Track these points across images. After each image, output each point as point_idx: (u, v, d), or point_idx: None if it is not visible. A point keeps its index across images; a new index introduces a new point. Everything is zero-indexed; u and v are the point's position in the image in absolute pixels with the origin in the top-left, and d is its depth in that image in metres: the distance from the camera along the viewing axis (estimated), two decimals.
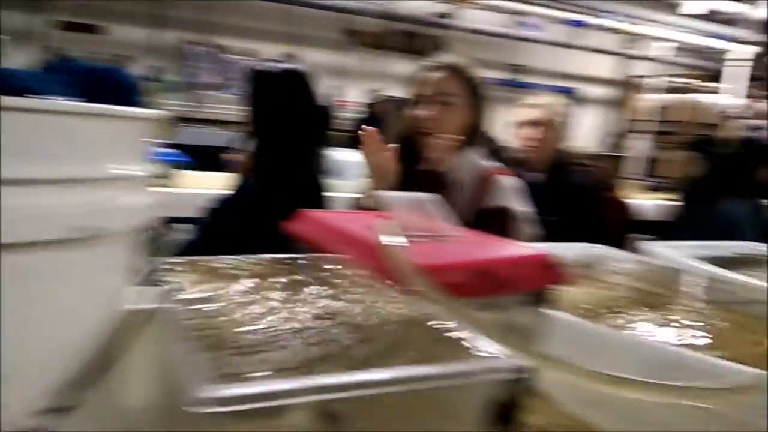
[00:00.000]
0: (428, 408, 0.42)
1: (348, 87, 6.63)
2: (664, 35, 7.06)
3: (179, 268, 0.61)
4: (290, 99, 1.71)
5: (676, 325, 0.84)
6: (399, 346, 0.46)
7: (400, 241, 0.66)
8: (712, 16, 7.04)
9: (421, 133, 1.49)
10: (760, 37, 6.79)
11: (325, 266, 0.67)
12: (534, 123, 2.17)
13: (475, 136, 1.55)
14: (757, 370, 0.54)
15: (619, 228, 2.28)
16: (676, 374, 0.64)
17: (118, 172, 0.48)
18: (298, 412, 0.37)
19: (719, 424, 0.61)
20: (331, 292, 0.59)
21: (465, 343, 0.45)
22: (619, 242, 1.90)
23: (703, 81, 7.22)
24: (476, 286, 0.58)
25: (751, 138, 2.73)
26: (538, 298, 0.66)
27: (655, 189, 4.39)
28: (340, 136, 4.45)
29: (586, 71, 8.19)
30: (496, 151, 1.70)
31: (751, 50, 6.43)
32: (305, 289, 0.59)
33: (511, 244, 0.70)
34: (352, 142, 2.04)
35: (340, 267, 0.67)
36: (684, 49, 7.55)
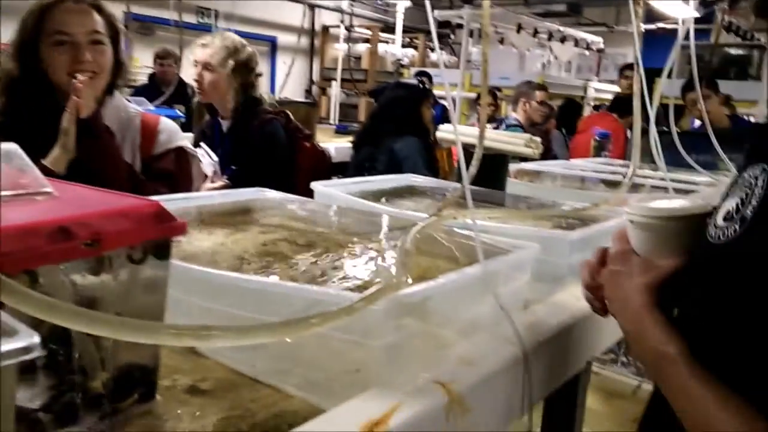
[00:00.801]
0: None
1: None
2: None
3: None
4: None
5: (324, 262, 0.87)
6: None
7: None
8: None
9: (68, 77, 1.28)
10: None
11: None
12: (202, 64, 2.07)
13: (118, 77, 1.40)
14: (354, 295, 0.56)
15: (317, 174, 2.34)
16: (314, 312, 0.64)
17: None
18: None
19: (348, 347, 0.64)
20: None
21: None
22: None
23: (380, 32, 7.93)
24: (52, 249, 0.48)
25: (405, 82, 3.05)
26: (154, 252, 0.59)
27: (345, 132, 4.70)
28: None
29: (282, 20, 8.27)
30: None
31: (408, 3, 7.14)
32: None
33: (115, 196, 0.61)
34: None
35: None
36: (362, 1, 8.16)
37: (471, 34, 4.95)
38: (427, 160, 2.66)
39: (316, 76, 8.85)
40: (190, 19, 6.69)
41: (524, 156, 1.70)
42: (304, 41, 8.61)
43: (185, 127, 3.17)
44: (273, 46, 8.49)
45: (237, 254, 0.89)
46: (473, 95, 5.15)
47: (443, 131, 1.72)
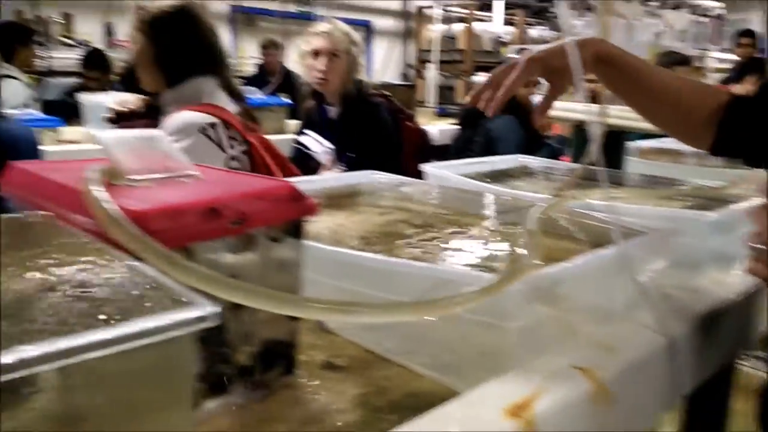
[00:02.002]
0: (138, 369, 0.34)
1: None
2: None
3: None
4: None
5: (446, 243, 0.86)
6: (101, 307, 0.37)
7: (118, 186, 0.56)
8: None
9: None
10: None
11: (24, 226, 0.54)
12: (317, 53, 2.10)
13: None
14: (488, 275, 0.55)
15: (420, 156, 2.35)
16: (440, 292, 0.64)
17: None
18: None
19: (479, 328, 0.63)
20: (23, 254, 0.47)
21: (164, 297, 0.37)
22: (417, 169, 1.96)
23: (475, 10, 7.72)
24: (204, 228, 0.50)
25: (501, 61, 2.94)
26: (290, 231, 0.61)
27: (444, 115, 4.66)
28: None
29: (377, 3, 8.30)
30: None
31: None
32: None
33: (253, 178, 0.63)
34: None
35: (46, 224, 0.54)
36: None
37: (574, 6, 4.71)
38: (526, 138, 2.57)
39: (411, 59, 8.82)
40: (290, 8, 6.88)
41: (645, 132, 1.59)
42: (400, 24, 8.59)
43: (293, 115, 3.28)
44: (368, 30, 8.55)
45: (358, 234, 0.90)
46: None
47: (556, 109, 1.65)
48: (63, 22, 5.40)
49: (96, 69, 3.98)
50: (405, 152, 2.28)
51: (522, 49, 5.19)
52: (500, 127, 2.50)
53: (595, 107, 1.53)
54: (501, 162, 1.53)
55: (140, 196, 0.53)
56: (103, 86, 3.87)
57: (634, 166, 1.57)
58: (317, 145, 2.07)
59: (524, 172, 1.51)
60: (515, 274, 0.53)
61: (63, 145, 2.37)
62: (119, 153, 0.59)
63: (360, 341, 0.72)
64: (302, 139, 2.14)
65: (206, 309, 0.33)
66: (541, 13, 8.30)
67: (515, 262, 0.59)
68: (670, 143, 1.92)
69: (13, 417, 0.30)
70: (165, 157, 0.63)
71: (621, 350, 0.60)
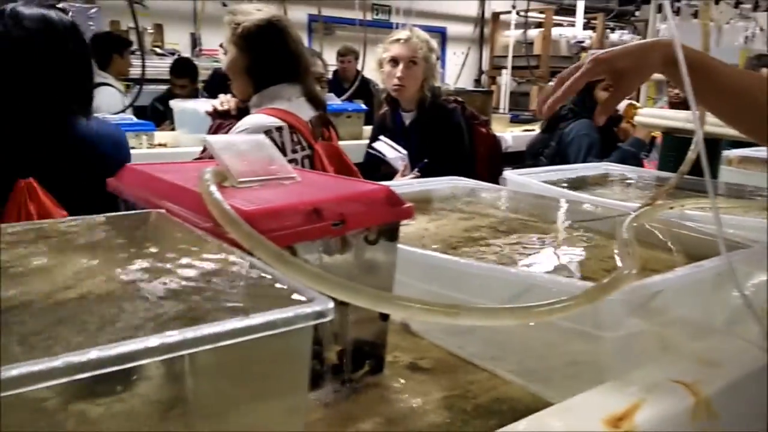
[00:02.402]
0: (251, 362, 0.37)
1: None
2: None
3: None
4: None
5: (534, 249, 0.85)
6: (217, 300, 0.40)
7: (227, 188, 0.60)
8: None
9: None
10: None
11: (143, 222, 0.58)
12: (396, 60, 2.13)
13: None
14: (589, 283, 0.54)
15: (492, 161, 2.34)
16: (528, 298, 0.64)
17: None
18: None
19: (568, 337, 0.62)
20: (150, 250, 0.51)
21: (286, 291, 0.39)
22: (494, 175, 1.95)
23: (553, 15, 7.55)
24: (308, 228, 0.52)
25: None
26: (386, 234, 0.62)
27: (518, 121, 4.59)
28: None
29: (452, 10, 8.28)
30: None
31: None
32: (119, 251, 0.51)
33: (351, 181, 0.65)
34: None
35: (161, 222, 0.58)
36: None
37: (659, 9, 4.54)
38: (602, 141, 2.49)
39: (485, 65, 8.74)
40: (367, 16, 6.98)
41: (736, 139, 1.51)
42: (474, 30, 8.54)
43: (367, 120, 3.33)
44: (443, 37, 8.54)
45: (443, 239, 0.91)
46: (662, 77, 4.70)
47: (644, 115, 1.60)
48: (153, 32, 5.73)
49: (183, 76, 4.19)
50: (478, 158, 2.27)
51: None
52: (573, 129, 2.44)
53: (685, 114, 1.47)
54: (584, 169, 1.50)
55: (247, 197, 0.56)
56: (190, 93, 4.07)
57: (726, 175, 1.49)
58: (391, 150, 2.09)
59: (609, 180, 1.47)
60: (615, 283, 0.52)
61: (155, 149, 2.52)
62: (227, 156, 0.63)
63: (443, 344, 0.73)
64: (376, 144, 2.17)
65: (325, 304, 0.35)
66: (622, 17, 8.03)
67: (615, 270, 0.58)
68: (761, 152, 1.82)
69: (155, 394, 0.33)
70: (268, 160, 0.66)
71: (723, 366, 0.58)
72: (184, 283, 0.42)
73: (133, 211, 0.60)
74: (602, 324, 0.57)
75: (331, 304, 0.35)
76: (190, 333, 0.31)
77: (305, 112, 1.62)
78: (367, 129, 3.20)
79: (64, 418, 0.32)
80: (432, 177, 1.27)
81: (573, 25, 7.41)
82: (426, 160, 2.04)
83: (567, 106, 2.56)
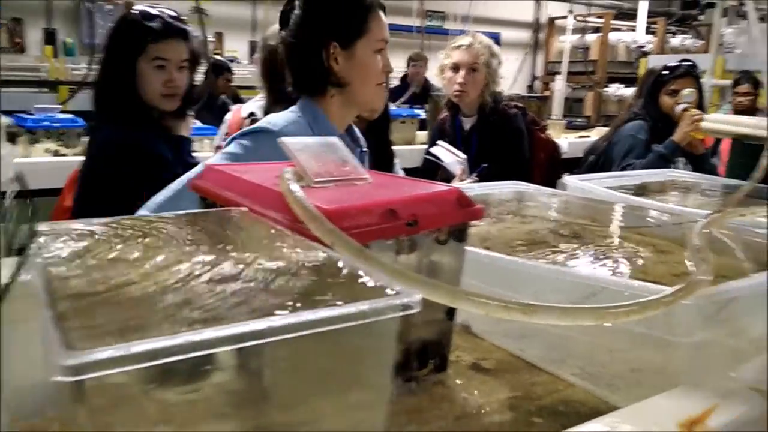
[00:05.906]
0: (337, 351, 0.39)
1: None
2: None
3: (65, 236, 0.54)
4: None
5: (598, 253, 0.85)
6: (306, 293, 0.43)
7: (303, 187, 0.62)
8: None
9: None
10: None
11: (227, 219, 0.62)
12: (457, 66, 2.14)
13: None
14: (661, 287, 0.54)
15: (551, 167, 2.32)
16: (596, 300, 0.64)
17: None
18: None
19: (634, 343, 0.62)
20: (233, 245, 0.54)
21: (369, 285, 0.41)
22: (550, 180, 1.93)
23: (611, 19, 7.39)
24: (384, 227, 0.54)
25: (651, 69, 2.76)
26: (455, 235, 0.64)
27: (572, 128, 4.52)
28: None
29: (506, 15, 8.22)
30: None
31: None
32: (203, 246, 0.54)
33: (421, 183, 0.67)
34: None
35: (243, 219, 0.62)
36: None
37: (724, 13, 4.39)
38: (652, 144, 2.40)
39: (538, 71, 8.63)
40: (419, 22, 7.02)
41: None
42: (528, 35, 8.45)
43: (423, 125, 3.34)
44: (497, 43, 8.48)
45: (505, 242, 0.91)
46: (727, 82, 4.54)
47: (711, 121, 1.56)
48: (213, 40, 5.93)
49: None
50: (535, 163, 2.26)
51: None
52: (625, 130, 2.38)
53: (755, 120, 1.43)
54: (647, 175, 1.47)
55: (324, 196, 0.59)
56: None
57: None
58: (449, 155, 2.10)
59: (671, 186, 1.44)
60: (691, 288, 0.52)
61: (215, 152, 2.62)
62: (303, 157, 0.66)
63: (503, 345, 0.74)
64: (434, 149, 2.19)
65: (412, 297, 0.37)
66: (684, 21, 7.78)
67: (689, 276, 0.58)
68: None
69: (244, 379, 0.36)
70: (341, 161, 0.69)
71: None
72: (272, 275, 0.45)
73: (216, 209, 0.64)
74: (676, 329, 0.56)
75: (419, 297, 0.37)
76: (293, 318, 0.33)
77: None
78: (421, 134, 3.22)
79: (147, 405, 0.33)
80: (490, 182, 1.28)
81: (632, 30, 7.23)
82: (485, 165, 2.05)
83: (633, 109, 2.50)
